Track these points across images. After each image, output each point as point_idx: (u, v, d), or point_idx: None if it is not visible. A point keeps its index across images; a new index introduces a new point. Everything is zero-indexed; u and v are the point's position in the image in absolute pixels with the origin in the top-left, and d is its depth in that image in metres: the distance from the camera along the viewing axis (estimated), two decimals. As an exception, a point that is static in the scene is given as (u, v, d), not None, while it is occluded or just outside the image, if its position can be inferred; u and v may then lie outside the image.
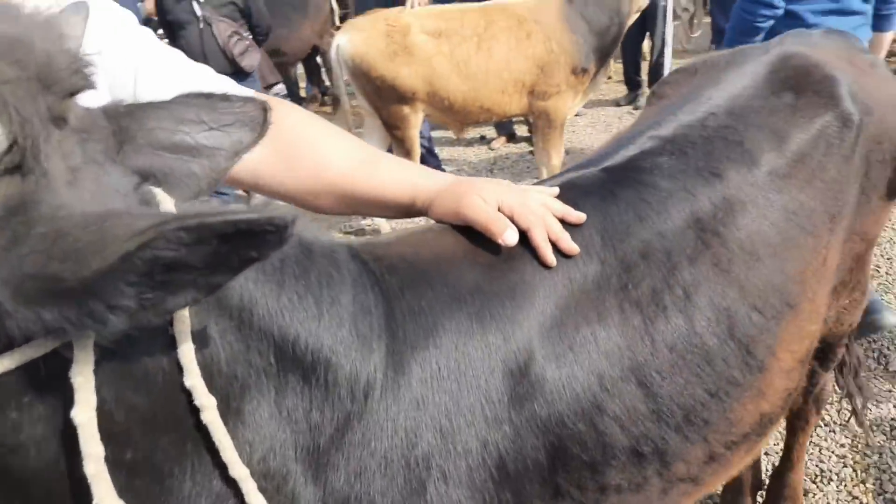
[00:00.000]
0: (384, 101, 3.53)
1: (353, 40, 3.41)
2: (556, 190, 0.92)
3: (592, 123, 5.43)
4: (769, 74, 1.13)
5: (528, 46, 3.31)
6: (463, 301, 0.74)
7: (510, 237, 0.79)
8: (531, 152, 4.96)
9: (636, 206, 0.90)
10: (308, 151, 0.88)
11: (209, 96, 0.62)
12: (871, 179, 1.14)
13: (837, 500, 1.82)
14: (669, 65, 5.64)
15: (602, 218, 0.87)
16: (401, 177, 0.89)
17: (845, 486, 1.85)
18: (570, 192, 0.91)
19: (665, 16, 5.31)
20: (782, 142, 1.04)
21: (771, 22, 2.20)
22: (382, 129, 3.73)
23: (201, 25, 4.07)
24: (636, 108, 5.66)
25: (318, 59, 6.57)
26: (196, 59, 3.60)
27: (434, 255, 0.80)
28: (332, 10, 6.28)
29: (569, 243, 0.82)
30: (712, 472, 0.93)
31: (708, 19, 5.36)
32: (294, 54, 6.12)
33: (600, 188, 0.92)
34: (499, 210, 0.82)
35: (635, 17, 3.59)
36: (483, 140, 5.46)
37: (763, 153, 1.01)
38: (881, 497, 1.81)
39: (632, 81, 5.75)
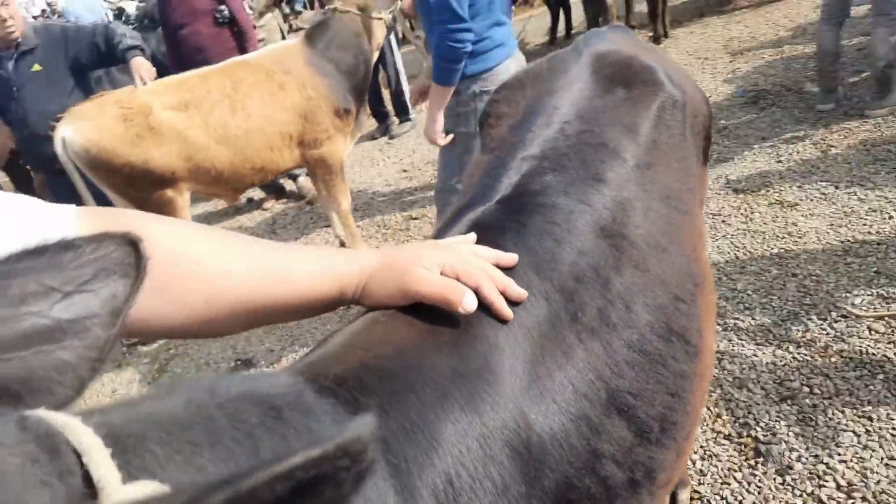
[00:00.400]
0: (140, 189, 3.15)
1: (81, 129, 2.98)
2: (474, 235, 0.87)
3: (358, 161, 5.48)
4: (594, 74, 1.19)
5: (284, 98, 3.21)
6: (449, 395, 0.66)
7: (470, 304, 0.72)
8: (309, 203, 4.84)
9: (549, 231, 0.89)
10: (194, 273, 0.68)
11: (44, 251, 0.43)
12: (695, 149, 1.26)
13: (706, 440, 2.02)
14: (407, 90, 5.94)
15: (526, 252, 0.85)
16: (318, 268, 0.74)
17: (707, 425, 2.06)
18: (485, 234, 0.87)
19: (391, 47, 5.59)
20: (635, 134, 1.09)
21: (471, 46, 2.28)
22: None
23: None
24: (391, 137, 5.86)
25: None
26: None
27: (395, 351, 0.70)
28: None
29: (516, 290, 0.78)
30: (678, 468, 0.95)
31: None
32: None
33: (509, 222, 0.90)
34: (442, 275, 0.75)
35: (377, 53, 3.69)
36: (251, 203, 5.19)
37: (625, 148, 1.06)
38: (738, 423, 2.04)
39: (379, 113, 5.93)
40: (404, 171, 5.08)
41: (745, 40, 5.66)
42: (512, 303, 0.77)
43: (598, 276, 0.87)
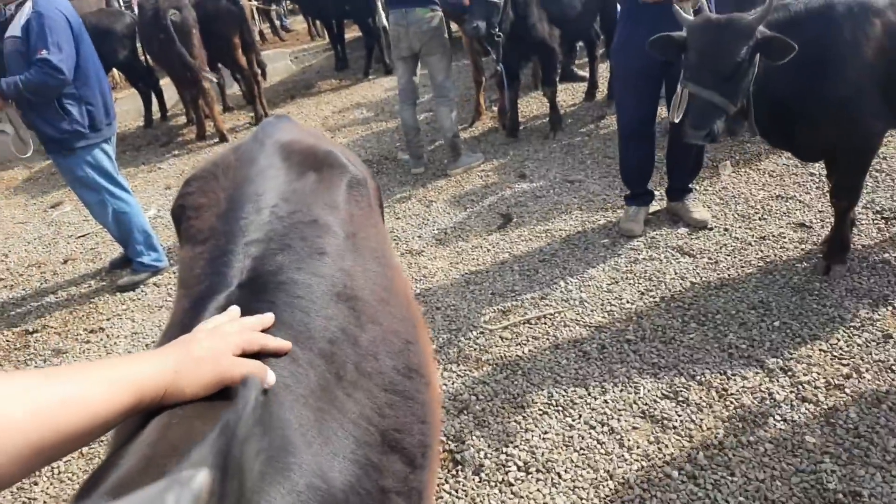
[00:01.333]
0: None
1: None
2: (237, 308, 0.90)
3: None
4: (285, 161, 1.30)
5: None
6: (265, 475, 0.69)
7: (272, 377, 0.80)
8: None
9: (296, 304, 0.96)
10: None
11: None
12: (379, 216, 1.49)
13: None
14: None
15: (283, 327, 0.91)
16: (110, 382, 0.67)
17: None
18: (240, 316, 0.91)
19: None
20: (336, 209, 1.24)
21: None
22: None
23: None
24: None
25: None
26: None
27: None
28: None
29: (281, 344, 0.86)
30: (432, 483, 1.12)
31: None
32: None
33: (258, 303, 0.94)
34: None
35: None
36: None
37: (333, 223, 1.19)
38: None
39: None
40: (-2, 279, 4.20)
41: (338, 119, 6.44)
42: (285, 369, 0.85)
43: (347, 336, 0.98)
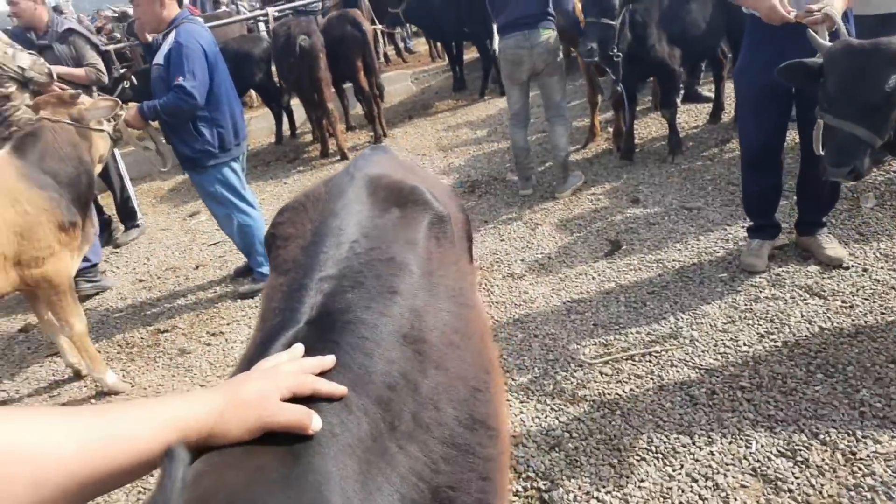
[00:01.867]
0: None
1: None
2: (300, 347, 0.91)
3: (76, 275, 4.83)
4: (370, 197, 1.32)
5: (-6, 216, 2.76)
6: None
7: (317, 424, 0.78)
8: (22, 331, 4.11)
9: (359, 345, 0.95)
10: (13, 457, 0.59)
11: None
12: (464, 250, 1.48)
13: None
14: (134, 195, 5.53)
15: (342, 370, 0.90)
16: (156, 421, 0.70)
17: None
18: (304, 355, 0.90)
19: (115, 158, 5.17)
20: (415, 246, 1.23)
21: None
22: None
23: None
24: (117, 246, 5.36)
25: None
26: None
27: (229, 500, 0.68)
28: None
29: (334, 389, 0.84)
30: None
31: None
32: None
33: (322, 342, 0.93)
34: (283, 400, 0.79)
35: (101, 166, 3.41)
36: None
37: (410, 261, 1.18)
38: (521, 478, 2.28)
39: (103, 223, 5.36)
40: (140, 280, 4.64)
41: (452, 139, 6.53)
42: (336, 416, 0.83)
43: (407, 381, 0.95)
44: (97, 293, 4.52)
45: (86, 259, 4.03)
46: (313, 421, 0.77)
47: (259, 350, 0.95)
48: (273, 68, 7.00)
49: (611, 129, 5.36)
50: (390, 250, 1.18)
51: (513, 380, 2.76)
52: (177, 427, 0.70)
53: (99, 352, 3.38)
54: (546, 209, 4.45)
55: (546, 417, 2.52)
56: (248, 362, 0.93)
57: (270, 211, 5.48)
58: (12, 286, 2.90)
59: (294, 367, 0.84)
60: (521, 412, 2.57)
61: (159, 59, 3.30)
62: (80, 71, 4.68)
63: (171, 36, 3.27)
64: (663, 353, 2.75)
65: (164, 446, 0.69)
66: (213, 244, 5.04)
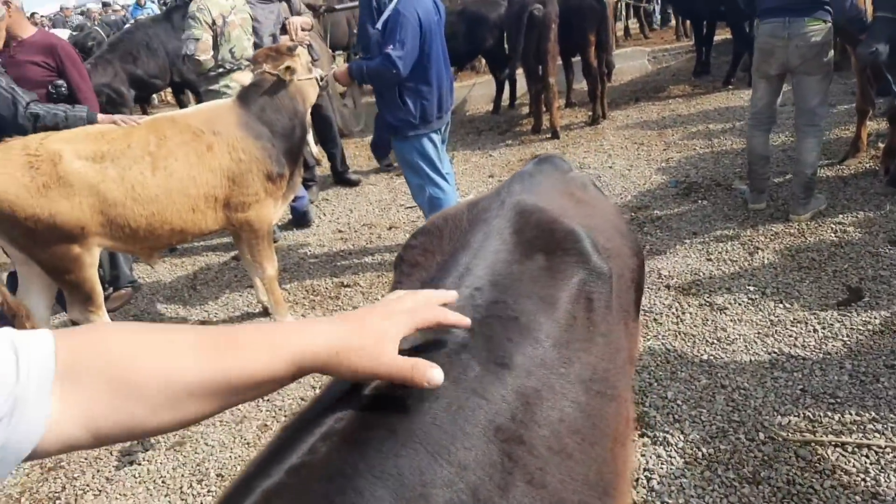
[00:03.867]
0: (43, 244, 2.87)
1: (-19, 177, 2.71)
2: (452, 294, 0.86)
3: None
4: (515, 236, 1.09)
5: (211, 159, 3.02)
6: None
7: (435, 377, 0.73)
8: (235, 258, 4.59)
9: (426, 439, 0.72)
10: (143, 365, 0.67)
11: None
12: (626, 309, 1.18)
13: None
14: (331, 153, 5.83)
15: (393, 477, 0.67)
16: (269, 346, 0.73)
17: None
18: (349, 454, 0.68)
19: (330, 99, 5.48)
20: (553, 308, 0.98)
21: None
22: (43, 277, 3.02)
23: None
24: (352, 183, 5.73)
25: None
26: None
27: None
28: None
29: (460, 319, 0.82)
30: None
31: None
32: None
33: (379, 427, 0.72)
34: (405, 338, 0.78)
35: (308, 112, 3.58)
36: (173, 251, 4.88)
37: (540, 325, 0.94)
38: None
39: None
40: (339, 231, 4.91)
41: (678, 130, 5.89)
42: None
43: (473, 498, 0.70)
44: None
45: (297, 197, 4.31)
46: (429, 374, 0.73)
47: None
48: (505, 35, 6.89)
49: (881, 146, 4.37)
50: (517, 307, 0.95)
51: (682, 433, 2.37)
52: (293, 361, 0.72)
53: (287, 293, 3.62)
54: (773, 232, 3.78)
55: (712, 491, 2.11)
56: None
57: (468, 182, 5.45)
58: (219, 225, 3.18)
59: (419, 299, 0.81)
60: (683, 475, 2.18)
61: (379, 24, 3.33)
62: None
63: (394, 3, 3.27)
64: (888, 450, 2.15)
65: (276, 375, 0.71)
66: (411, 207, 5.15)
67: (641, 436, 2.39)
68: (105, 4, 16.59)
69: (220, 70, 4.26)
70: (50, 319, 3.26)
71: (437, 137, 3.72)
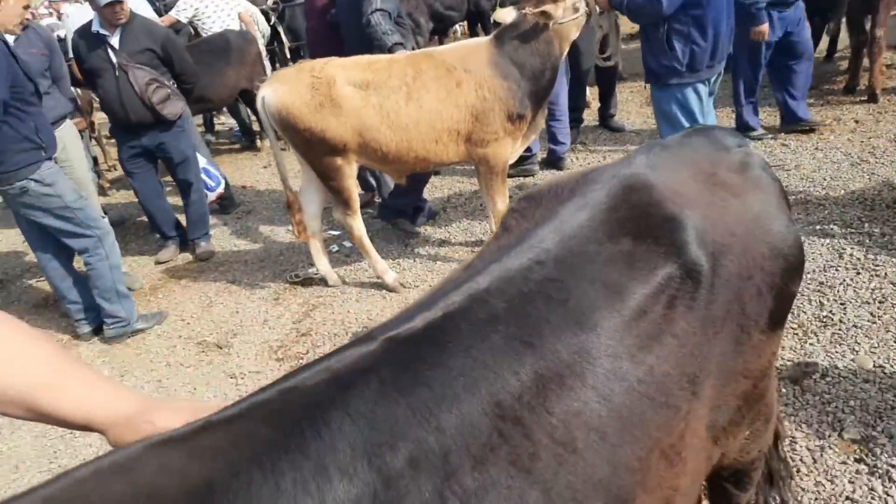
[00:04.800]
0: (315, 152, 3.37)
1: (277, 92, 3.25)
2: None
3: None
4: (608, 212, 0.99)
5: (459, 95, 3.17)
6: None
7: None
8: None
9: (412, 394, 0.72)
10: None
11: None
12: (748, 316, 1.01)
13: None
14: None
15: (366, 419, 0.69)
16: (78, 405, 0.85)
17: None
18: (335, 390, 0.72)
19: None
20: (617, 298, 0.89)
21: None
22: (318, 181, 3.56)
23: (117, 73, 3.89)
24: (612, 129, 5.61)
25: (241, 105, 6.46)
26: (114, 107, 3.54)
27: None
28: (259, 54, 6.10)
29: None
30: None
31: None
32: (220, 101, 5.97)
33: (372, 374, 0.74)
34: None
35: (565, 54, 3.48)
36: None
37: (594, 313, 0.86)
38: None
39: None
40: (584, 178, 4.82)
41: None
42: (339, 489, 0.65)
43: (443, 463, 0.69)
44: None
45: (528, 150, 4.33)
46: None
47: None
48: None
49: None
50: (574, 290, 0.88)
51: None
52: (86, 418, 0.84)
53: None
54: None
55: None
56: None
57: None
58: (459, 158, 3.36)
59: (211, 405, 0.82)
60: None
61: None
62: None
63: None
64: None
65: (73, 420, 0.83)
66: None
67: (858, 461, 2.02)
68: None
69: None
70: (321, 219, 3.82)
71: (703, 89, 3.36)
